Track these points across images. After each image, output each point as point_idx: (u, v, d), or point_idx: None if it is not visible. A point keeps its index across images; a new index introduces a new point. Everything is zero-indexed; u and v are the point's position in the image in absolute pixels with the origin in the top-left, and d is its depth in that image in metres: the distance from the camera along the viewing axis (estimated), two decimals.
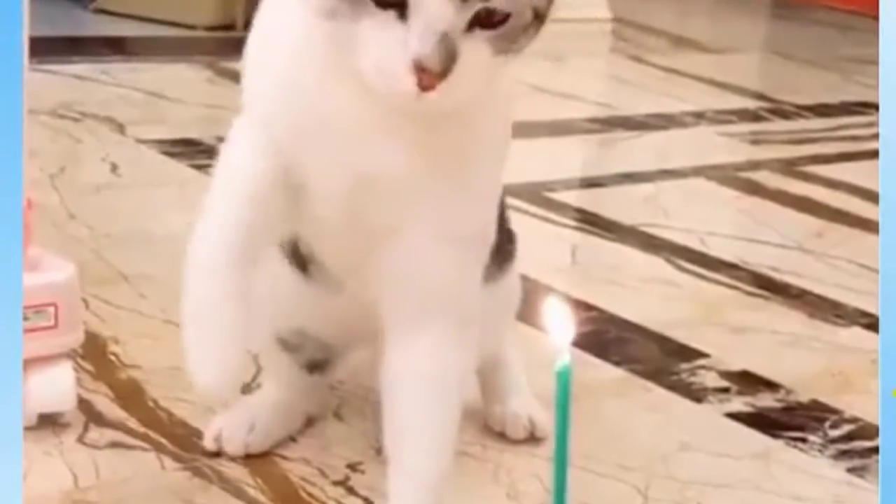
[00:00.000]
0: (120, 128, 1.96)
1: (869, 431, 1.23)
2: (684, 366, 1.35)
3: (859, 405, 1.28)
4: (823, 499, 1.11)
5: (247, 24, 0.94)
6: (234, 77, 1.01)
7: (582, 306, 1.46)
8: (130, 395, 1.14)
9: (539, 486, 1.07)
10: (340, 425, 1.14)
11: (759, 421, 1.24)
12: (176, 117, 2.07)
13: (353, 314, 0.94)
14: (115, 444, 1.06)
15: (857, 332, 1.50)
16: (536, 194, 1.89)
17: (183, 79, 2.33)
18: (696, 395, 1.29)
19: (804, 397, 1.31)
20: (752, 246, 1.80)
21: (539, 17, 0.76)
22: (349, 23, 0.73)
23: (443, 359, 0.86)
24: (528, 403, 1.14)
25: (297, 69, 0.81)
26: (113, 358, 1.21)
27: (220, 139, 0.89)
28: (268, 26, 0.85)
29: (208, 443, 1.05)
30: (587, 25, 3.37)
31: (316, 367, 1.10)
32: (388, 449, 0.89)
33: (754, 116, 2.69)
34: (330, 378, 1.13)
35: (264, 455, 1.07)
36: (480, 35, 0.74)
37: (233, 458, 1.04)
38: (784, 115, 2.70)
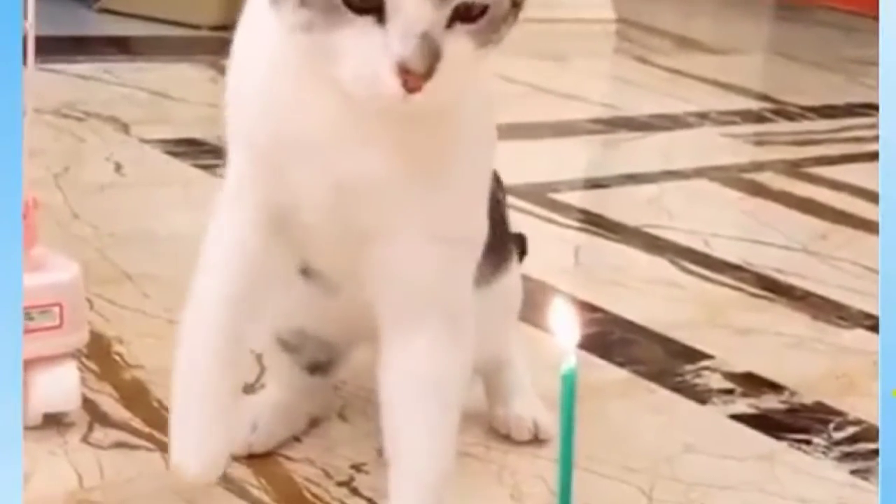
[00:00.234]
0: (124, 127, 1.96)
1: (873, 433, 1.23)
2: (688, 367, 1.35)
3: (863, 407, 1.28)
4: (827, 501, 1.11)
5: None
6: None
7: (586, 307, 1.45)
8: (135, 395, 1.14)
9: (543, 487, 1.07)
10: (344, 426, 1.14)
11: (764, 423, 1.24)
12: (180, 117, 2.07)
13: (352, 314, 0.94)
14: (119, 445, 1.06)
15: (861, 333, 1.50)
16: (540, 195, 1.89)
17: (187, 78, 2.33)
18: (701, 396, 1.29)
19: (808, 399, 1.31)
20: (756, 247, 1.80)
21: (516, 5, 0.75)
22: (326, 34, 0.72)
23: (438, 359, 0.86)
24: (532, 405, 1.14)
25: (275, 85, 0.81)
26: (117, 358, 1.21)
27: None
28: (243, 53, 0.85)
29: None
30: (591, 26, 3.37)
31: (317, 367, 1.10)
32: (388, 451, 0.89)
33: (758, 118, 2.69)
34: (332, 379, 1.13)
35: (268, 455, 1.07)
36: (461, 30, 0.73)
37: (236, 459, 1.04)
38: (788, 116, 2.70)
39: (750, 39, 3.78)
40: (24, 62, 1.02)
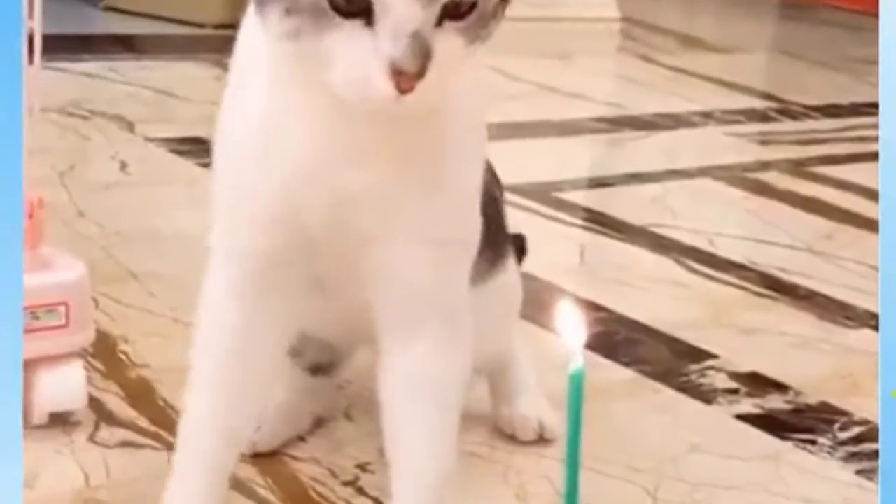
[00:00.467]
0: (129, 126, 1.97)
1: (878, 434, 1.22)
2: (693, 367, 1.35)
3: (868, 407, 1.28)
4: (833, 501, 1.11)
5: None
6: None
7: (590, 307, 1.45)
8: (140, 394, 1.14)
9: (549, 487, 1.07)
10: (350, 425, 1.14)
11: (769, 423, 1.24)
12: (184, 115, 2.08)
13: (351, 316, 0.95)
14: (125, 444, 1.07)
15: (867, 333, 1.50)
16: (545, 194, 1.89)
17: (191, 77, 2.33)
18: (706, 396, 1.29)
19: (813, 399, 1.31)
20: (760, 247, 1.80)
21: (504, 0, 0.75)
22: (315, 40, 0.72)
23: (437, 360, 0.86)
24: (537, 405, 1.14)
25: (262, 114, 0.81)
26: (123, 357, 1.21)
27: None
28: (232, 113, 0.85)
29: None
30: (596, 25, 3.37)
31: (320, 368, 1.10)
32: (389, 452, 0.89)
33: (763, 117, 2.69)
34: (336, 379, 1.13)
35: (274, 455, 1.07)
36: (451, 27, 0.72)
37: (242, 458, 1.04)
38: (793, 115, 2.70)
39: (754, 38, 3.78)
40: (31, 60, 1.03)
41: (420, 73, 0.70)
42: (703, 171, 2.18)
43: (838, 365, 1.41)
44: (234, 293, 0.87)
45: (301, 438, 1.10)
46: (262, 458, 1.06)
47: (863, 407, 1.29)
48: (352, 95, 0.72)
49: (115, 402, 1.13)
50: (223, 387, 0.89)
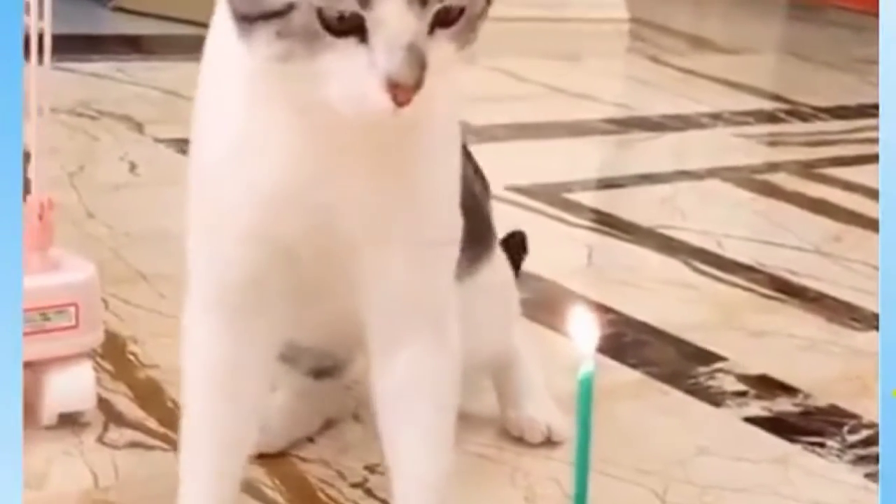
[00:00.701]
0: (138, 126, 1.97)
1: None
2: (702, 369, 1.35)
3: (877, 410, 1.28)
4: None
5: None
6: None
7: (598, 308, 1.45)
8: (149, 395, 1.15)
9: (557, 489, 1.07)
10: (358, 427, 1.14)
11: (777, 425, 1.24)
12: None
13: (339, 323, 0.95)
14: (134, 444, 1.07)
15: (875, 335, 1.50)
16: (553, 195, 1.89)
17: None
18: (714, 398, 1.29)
19: (822, 402, 1.31)
20: (768, 248, 1.80)
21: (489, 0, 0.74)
22: (307, 62, 0.70)
23: (427, 362, 0.86)
24: (545, 407, 1.14)
25: (239, 130, 0.80)
26: (132, 357, 1.22)
27: None
28: (206, 126, 0.84)
29: None
30: (604, 25, 3.37)
31: (323, 372, 1.10)
32: (387, 457, 0.89)
33: (771, 118, 2.69)
34: (343, 381, 1.13)
35: (282, 456, 1.07)
36: (442, 34, 0.72)
37: (250, 459, 1.04)
38: (801, 116, 2.69)
39: (763, 39, 3.77)
40: (41, 61, 1.03)
41: (417, 85, 0.70)
42: (712, 173, 2.17)
43: (847, 367, 1.41)
44: (216, 308, 0.86)
45: (309, 439, 1.10)
46: (270, 459, 1.06)
47: (872, 409, 1.28)
48: (349, 111, 0.71)
49: (125, 403, 1.13)
50: (217, 404, 0.89)
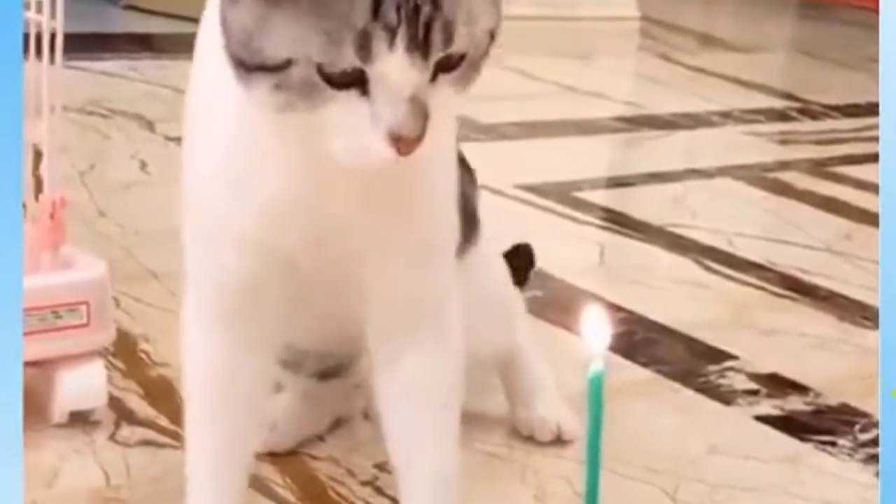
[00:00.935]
0: (149, 125, 1.97)
1: None
2: (713, 368, 1.35)
3: None
4: (852, 503, 1.11)
5: None
6: None
7: (609, 307, 1.45)
8: (160, 394, 1.15)
9: (567, 487, 1.07)
10: (368, 425, 1.14)
11: (788, 424, 1.24)
12: None
13: (338, 327, 0.95)
14: (145, 442, 1.07)
15: None
16: (564, 193, 1.89)
17: None
18: (725, 397, 1.28)
19: (833, 400, 1.30)
20: (779, 247, 1.79)
21: (493, 37, 0.73)
22: (308, 114, 0.70)
23: (428, 363, 0.86)
24: (555, 406, 1.14)
25: (233, 143, 0.79)
26: (143, 356, 1.22)
27: None
28: (200, 135, 0.83)
29: None
30: (615, 24, 3.37)
31: (328, 373, 1.10)
32: (393, 458, 0.89)
33: (782, 116, 2.68)
34: (351, 380, 1.13)
35: (293, 454, 1.07)
36: (444, 80, 0.71)
37: (260, 458, 1.05)
38: (812, 115, 2.69)
39: (773, 37, 3.77)
40: (52, 60, 1.03)
41: (420, 137, 0.69)
42: (723, 171, 2.17)
43: (858, 366, 1.41)
44: (212, 310, 0.86)
45: (319, 438, 1.10)
46: (280, 457, 1.06)
47: None
48: (351, 162, 0.71)
49: (136, 401, 1.13)
50: (215, 401, 0.89)
